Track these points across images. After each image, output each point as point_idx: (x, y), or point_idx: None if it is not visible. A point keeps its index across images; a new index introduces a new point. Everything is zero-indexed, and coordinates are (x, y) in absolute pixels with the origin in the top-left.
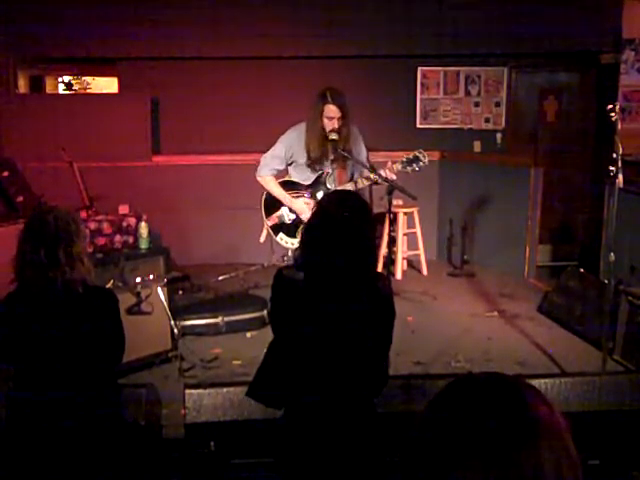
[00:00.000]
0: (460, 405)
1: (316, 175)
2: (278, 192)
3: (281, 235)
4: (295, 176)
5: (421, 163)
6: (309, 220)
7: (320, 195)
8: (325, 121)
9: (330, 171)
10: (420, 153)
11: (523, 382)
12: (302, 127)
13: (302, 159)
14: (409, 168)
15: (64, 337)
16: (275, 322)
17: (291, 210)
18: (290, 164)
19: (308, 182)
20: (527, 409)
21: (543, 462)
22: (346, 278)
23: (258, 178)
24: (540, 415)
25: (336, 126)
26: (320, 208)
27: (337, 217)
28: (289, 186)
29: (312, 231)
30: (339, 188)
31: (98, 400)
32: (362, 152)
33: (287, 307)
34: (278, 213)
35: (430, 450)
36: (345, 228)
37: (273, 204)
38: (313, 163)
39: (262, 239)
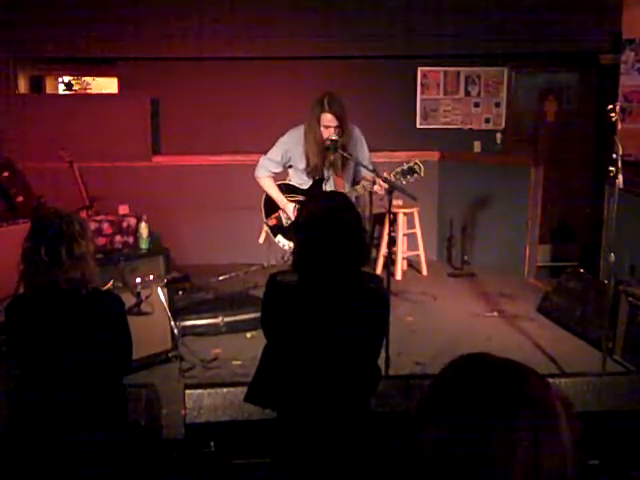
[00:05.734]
0: (465, 374)
1: (314, 180)
2: (273, 193)
3: (279, 237)
4: (294, 179)
5: (416, 175)
6: (297, 220)
7: None
8: (322, 129)
9: (327, 176)
10: (416, 165)
11: (529, 368)
12: (301, 131)
13: (301, 164)
14: (404, 180)
15: (67, 339)
16: (269, 326)
17: None
18: (289, 167)
19: (306, 186)
20: (519, 384)
21: (518, 431)
22: (340, 274)
23: (256, 178)
24: (531, 391)
25: (333, 135)
26: (306, 207)
27: (323, 214)
28: (288, 189)
29: (300, 231)
30: None
31: (102, 404)
32: (364, 155)
33: (283, 311)
34: (276, 214)
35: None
36: (333, 224)
37: (273, 205)
38: (312, 170)
39: (261, 240)
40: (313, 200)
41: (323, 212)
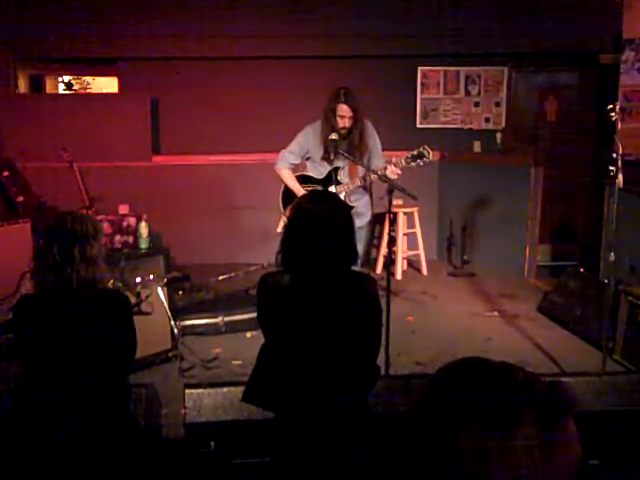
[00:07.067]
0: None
1: (329, 170)
2: (291, 184)
3: None
4: (311, 171)
5: (425, 159)
6: (289, 220)
7: (332, 189)
8: (338, 119)
9: (342, 165)
10: (425, 149)
11: (526, 371)
12: (318, 125)
13: (318, 155)
14: (413, 163)
15: (76, 338)
16: (264, 327)
17: None
18: (307, 159)
19: (321, 177)
20: (515, 388)
21: (517, 439)
22: (331, 275)
23: (275, 169)
24: (530, 396)
25: (347, 125)
26: (298, 207)
27: (315, 214)
28: (305, 180)
29: (293, 230)
30: (349, 182)
31: (107, 401)
32: (377, 149)
33: (275, 312)
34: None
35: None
36: (324, 224)
37: (290, 196)
38: (329, 158)
39: (279, 229)
40: (304, 200)
41: (314, 212)
